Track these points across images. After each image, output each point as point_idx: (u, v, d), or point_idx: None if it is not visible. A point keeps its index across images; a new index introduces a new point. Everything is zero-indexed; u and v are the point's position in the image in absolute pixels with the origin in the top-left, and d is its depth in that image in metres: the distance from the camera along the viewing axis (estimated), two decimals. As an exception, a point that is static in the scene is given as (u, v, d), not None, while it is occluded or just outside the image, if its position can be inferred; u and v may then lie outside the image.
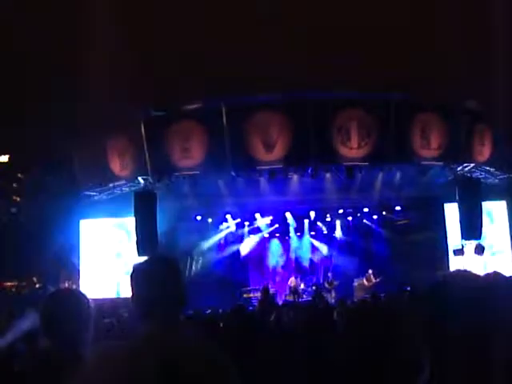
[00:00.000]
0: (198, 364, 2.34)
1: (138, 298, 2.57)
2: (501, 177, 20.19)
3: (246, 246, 24.76)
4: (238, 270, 24.16)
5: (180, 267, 2.68)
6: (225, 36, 19.47)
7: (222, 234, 24.12)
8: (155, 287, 2.54)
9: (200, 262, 22.94)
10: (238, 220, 23.78)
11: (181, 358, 2.31)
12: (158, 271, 2.60)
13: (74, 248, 20.23)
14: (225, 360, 2.45)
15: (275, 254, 25.02)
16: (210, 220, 23.05)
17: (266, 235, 24.88)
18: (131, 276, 2.62)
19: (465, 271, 2.29)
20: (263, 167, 17.17)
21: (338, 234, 25.00)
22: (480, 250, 18.30)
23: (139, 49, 18.54)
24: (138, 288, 2.59)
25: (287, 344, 7.70)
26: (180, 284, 2.63)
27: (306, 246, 25.08)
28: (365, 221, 24.32)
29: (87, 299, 3.20)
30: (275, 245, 25.15)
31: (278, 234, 25.00)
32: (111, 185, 18.90)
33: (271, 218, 23.80)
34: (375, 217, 23.92)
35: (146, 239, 17.37)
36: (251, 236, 24.68)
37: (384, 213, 23.50)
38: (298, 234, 25.02)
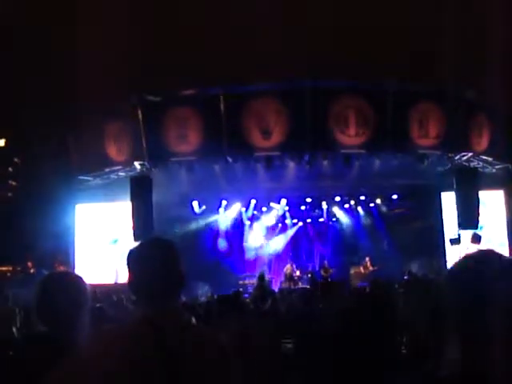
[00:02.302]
0: (196, 348, 2.34)
1: (134, 281, 2.55)
2: (498, 166, 20.17)
3: (245, 232, 24.81)
4: (234, 256, 24.19)
5: (177, 249, 2.63)
6: (223, 24, 19.41)
7: (219, 220, 24.12)
8: (151, 270, 2.51)
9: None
10: (239, 206, 23.79)
11: (180, 342, 2.30)
12: (154, 254, 2.57)
13: (68, 232, 20.24)
14: (220, 344, 2.46)
15: (272, 241, 25.01)
16: (205, 206, 23.03)
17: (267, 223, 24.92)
18: (127, 260, 2.58)
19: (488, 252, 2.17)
20: (260, 154, 17.16)
21: (335, 221, 25.03)
22: (476, 239, 18.31)
23: (138, 35, 18.46)
24: (134, 272, 2.56)
25: (282, 331, 7.69)
26: (177, 266, 2.59)
27: (303, 233, 25.09)
28: (361, 208, 24.33)
29: (84, 282, 3.14)
30: (272, 231, 25.14)
31: (274, 221, 24.99)
32: (107, 170, 18.85)
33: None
34: (372, 205, 23.93)
35: (142, 224, 17.37)
36: (248, 222, 24.70)
37: (381, 201, 23.49)
38: (295, 220, 25.04)
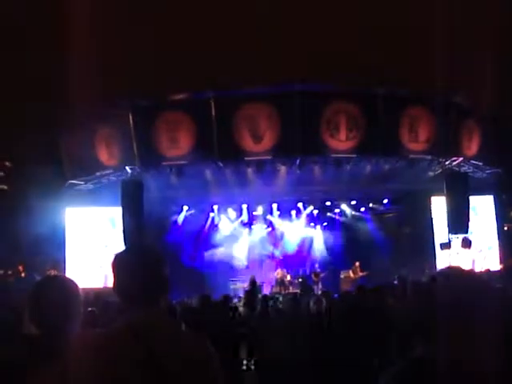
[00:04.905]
0: (178, 351, 2.35)
1: (119, 286, 2.58)
2: (488, 171, 20.25)
3: (235, 237, 24.78)
4: (225, 260, 24.15)
5: (161, 255, 2.66)
6: (215, 28, 19.42)
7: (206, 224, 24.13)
8: (135, 275, 2.55)
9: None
10: (232, 211, 23.85)
11: (161, 346, 2.32)
12: (138, 259, 2.61)
13: (59, 236, 20.20)
14: (207, 348, 2.46)
15: (262, 245, 24.95)
16: (194, 210, 23.07)
17: (256, 226, 24.89)
18: (112, 264, 2.61)
19: (454, 269, 2.26)
20: (251, 158, 17.16)
21: (325, 225, 25.03)
22: (467, 243, 18.38)
23: (129, 38, 18.44)
24: (119, 276, 2.59)
25: (272, 334, 7.71)
26: (161, 272, 2.61)
27: (293, 238, 25.05)
28: (352, 213, 24.38)
29: (77, 286, 3.16)
30: (262, 236, 25.09)
31: (265, 226, 24.97)
32: (98, 174, 18.81)
33: (263, 207, 23.83)
34: (363, 209, 24.00)
35: (132, 228, 17.33)
36: (239, 227, 24.68)
37: (371, 205, 23.56)
38: (286, 225, 25.02)
